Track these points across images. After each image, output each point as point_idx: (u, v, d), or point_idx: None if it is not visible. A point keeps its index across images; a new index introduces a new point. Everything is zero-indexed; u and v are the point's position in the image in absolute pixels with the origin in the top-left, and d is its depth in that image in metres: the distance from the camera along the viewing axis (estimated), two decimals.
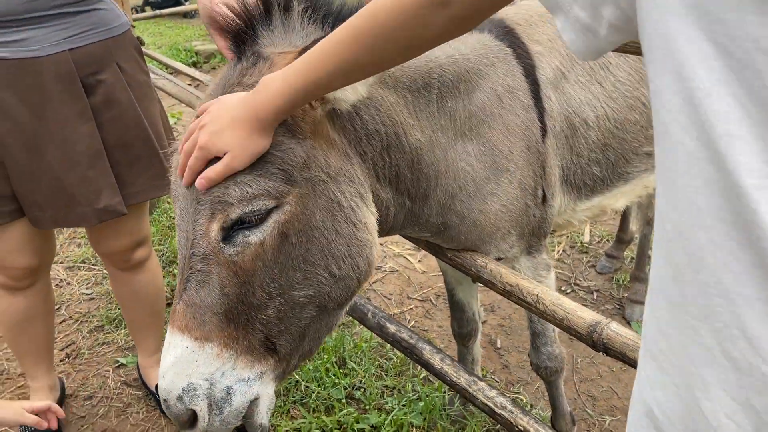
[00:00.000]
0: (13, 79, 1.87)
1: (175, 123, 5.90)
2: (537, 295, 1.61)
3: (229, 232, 1.16)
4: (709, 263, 0.61)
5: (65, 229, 3.99)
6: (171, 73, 3.49)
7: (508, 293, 1.67)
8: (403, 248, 3.76)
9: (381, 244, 3.93)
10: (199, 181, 1.13)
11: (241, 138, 1.11)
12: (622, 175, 1.98)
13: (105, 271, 3.57)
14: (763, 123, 0.55)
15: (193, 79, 2.97)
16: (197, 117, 1.21)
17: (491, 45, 1.66)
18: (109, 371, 2.86)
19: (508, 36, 1.69)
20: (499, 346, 2.96)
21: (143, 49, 3.33)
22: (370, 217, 1.31)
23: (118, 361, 2.90)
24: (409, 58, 1.05)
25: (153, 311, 2.54)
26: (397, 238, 3.88)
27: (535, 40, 1.73)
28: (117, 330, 3.09)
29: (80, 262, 3.69)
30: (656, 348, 0.71)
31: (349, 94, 1.22)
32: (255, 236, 1.16)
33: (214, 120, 1.13)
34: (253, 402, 1.20)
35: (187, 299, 1.15)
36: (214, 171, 1.12)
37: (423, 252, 3.71)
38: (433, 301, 3.29)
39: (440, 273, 3.48)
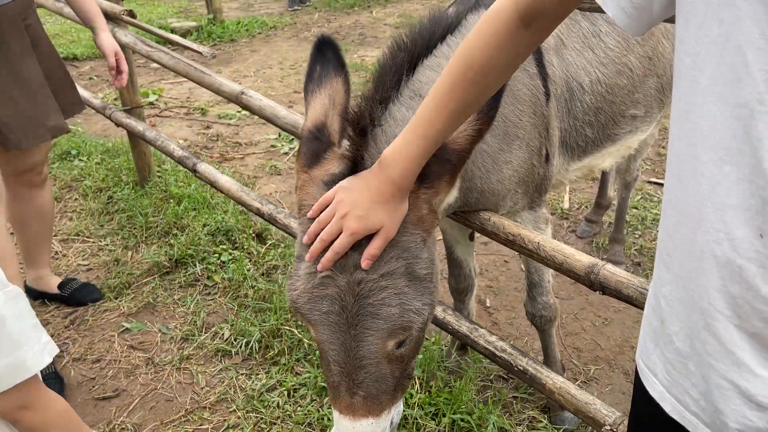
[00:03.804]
0: None
1: (157, 100, 5.92)
2: (538, 242, 1.76)
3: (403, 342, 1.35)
4: (709, 176, 0.76)
5: (57, 203, 4.04)
6: (174, 49, 3.53)
7: (511, 242, 1.81)
8: None
9: None
10: (365, 262, 1.26)
11: (390, 211, 1.25)
12: (611, 136, 2.13)
13: (101, 243, 3.63)
14: None
15: (194, 51, 3.01)
16: (310, 208, 1.33)
17: None
18: (114, 336, 2.95)
19: None
20: (488, 305, 3.12)
21: (137, 21, 3.38)
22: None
23: (122, 326, 2.98)
24: (509, 76, 1.18)
25: (50, 225, 2.96)
26: None
27: None
28: (118, 298, 3.17)
29: (74, 235, 3.74)
30: (665, 251, 0.87)
31: (455, 192, 1.47)
32: (418, 331, 1.38)
33: (356, 205, 1.24)
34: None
35: (366, 393, 1.34)
36: (375, 248, 1.26)
37: None
38: None
39: None
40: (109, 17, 3.53)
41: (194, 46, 2.92)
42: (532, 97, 1.79)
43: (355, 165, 1.35)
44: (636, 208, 3.87)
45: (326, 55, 1.49)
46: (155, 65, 6.87)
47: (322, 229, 1.27)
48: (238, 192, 2.98)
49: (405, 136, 1.21)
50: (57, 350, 1.44)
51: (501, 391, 2.53)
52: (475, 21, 1.69)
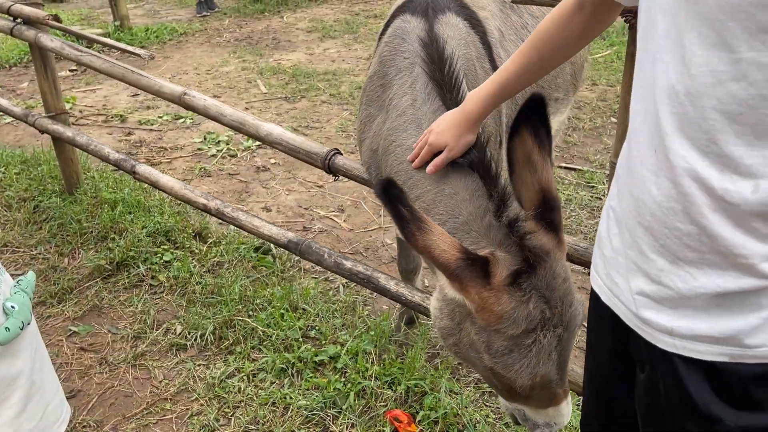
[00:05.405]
0: None
1: (71, 108, 5.78)
2: None
3: None
4: (636, 116, 1.04)
5: None
6: (102, 50, 3.48)
7: None
8: (328, 210, 4.04)
9: (306, 209, 4.15)
10: (430, 168, 1.64)
11: (456, 135, 1.60)
12: None
13: (32, 252, 3.57)
14: None
15: (131, 53, 3.03)
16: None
17: (459, 25, 1.91)
18: (62, 340, 2.94)
19: (463, 9, 1.95)
20: (426, 284, 3.34)
21: (63, 25, 3.35)
22: None
23: (70, 330, 2.98)
24: (564, 58, 1.46)
25: None
26: (321, 202, 4.15)
27: (480, 6, 2.04)
28: (60, 304, 3.15)
29: (2, 246, 3.65)
30: (617, 172, 1.13)
31: None
32: None
33: (438, 126, 1.64)
34: None
35: (564, 379, 1.54)
36: (439, 159, 1.62)
37: (347, 212, 4.01)
38: (363, 254, 3.61)
39: (366, 230, 3.81)
40: (32, 22, 3.50)
41: (130, 48, 2.96)
42: None
43: (526, 254, 1.45)
44: None
45: (395, 192, 1.44)
46: (63, 73, 6.68)
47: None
48: (182, 190, 3.04)
49: (485, 83, 1.54)
50: None
51: (448, 359, 2.74)
52: (441, 31, 1.84)
